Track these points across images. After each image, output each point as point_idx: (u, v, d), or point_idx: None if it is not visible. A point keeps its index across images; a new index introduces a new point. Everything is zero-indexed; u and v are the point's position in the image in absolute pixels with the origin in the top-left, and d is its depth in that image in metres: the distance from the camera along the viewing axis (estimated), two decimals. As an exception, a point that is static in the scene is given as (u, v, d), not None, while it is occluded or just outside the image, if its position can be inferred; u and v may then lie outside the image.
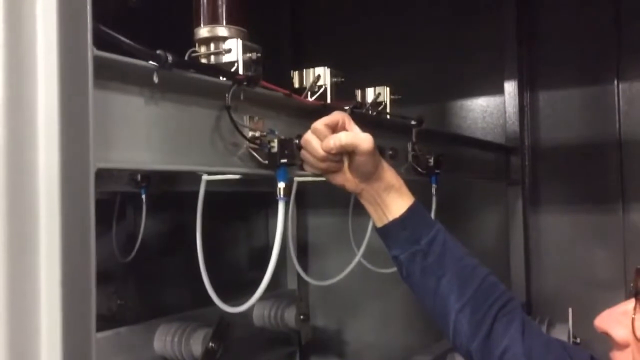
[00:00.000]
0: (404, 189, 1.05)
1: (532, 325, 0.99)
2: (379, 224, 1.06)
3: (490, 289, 0.99)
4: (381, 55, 2.39)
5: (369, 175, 1.03)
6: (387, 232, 1.05)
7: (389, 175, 1.05)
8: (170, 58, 0.79)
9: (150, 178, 1.91)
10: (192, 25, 1.10)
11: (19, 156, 0.57)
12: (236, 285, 1.83)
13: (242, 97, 0.99)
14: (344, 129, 1.01)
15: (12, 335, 0.57)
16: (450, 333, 1.00)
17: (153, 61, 0.79)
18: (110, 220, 2.23)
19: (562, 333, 1.80)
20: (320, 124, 1.00)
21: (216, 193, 1.42)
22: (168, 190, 2.08)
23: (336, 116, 1.02)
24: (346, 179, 1.05)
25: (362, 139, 1.00)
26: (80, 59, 0.62)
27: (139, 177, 1.86)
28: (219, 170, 1.00)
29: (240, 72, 1.02)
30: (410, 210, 1.03)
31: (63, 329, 0.58)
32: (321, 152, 1.00)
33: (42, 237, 0.58)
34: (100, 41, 0.68)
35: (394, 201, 1.04)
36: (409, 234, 1.02)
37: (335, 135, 1.00)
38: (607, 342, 0.80)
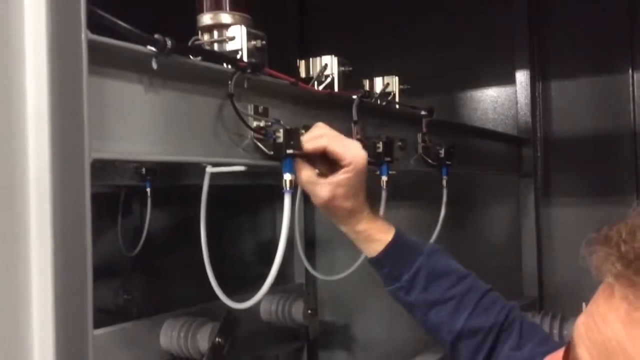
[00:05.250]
0: (377, 235, 1.01)
1: (533, 332, 0.96)
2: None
3: (487, 311, 0.96)
4: (389, 45, 2.35)
5: (333, 218, 1.02)
6: (370, 265, 1.04)
7: (360, 226, 1.01)
8: (169, 43, 0.75)
9: (156, 171, 1.88)
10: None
11: (7, 147, 0.54)
12: (244, 279, 1.81)
13: (246, 85, 0.96)
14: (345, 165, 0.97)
15: (2, 334, 0.54)
16: (451, 357, 0.98)
17: (151, 46, 0.75)
18: (116, 215, 2.21)
19: (575, 328, 1.76)
20: (314, 147, 0.97)
21: (223, 186, 1.39)
22: (174, 184, 2.05)
23: (345, 157, 0.96)
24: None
25: (315, 194, 0.97)
26: (73, 44, 0.59)
27: (143, 170, 1.84)
28: (223, 162, 0.97)
29: (245, 60, 0.99)
30: (386, 249, 1.00)
31: (56, 327, 0.55)
32: None
33: (33, 232, 0.55)
34: (96, 25, 0.65)
35: (365, 245, 1.02)
36: (388, 272, 1.00)
37: (300, 173, 0.97)
38: None
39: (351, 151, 0.97)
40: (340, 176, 0.96)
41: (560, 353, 0.69)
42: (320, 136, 0.97)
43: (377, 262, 1.01)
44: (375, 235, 1.01)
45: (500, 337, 0.94)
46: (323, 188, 0.96)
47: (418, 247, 1.02)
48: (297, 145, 0.96)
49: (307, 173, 0.97)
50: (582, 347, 0.62)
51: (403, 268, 0.99)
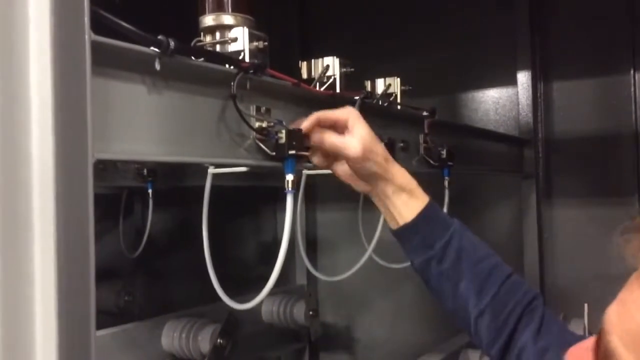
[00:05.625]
0: (417, 191, 1.00)
1: (552, 323, 0.95)
2: (392, 226, 1.02)
3: (511, 293, 0.95)
4: (391, 46, 2.34)
5: (373, 178, 0.99)
6: (399, 235, 1.01)
7: (399, 176, 1.00)
8: (172, 44, 0.75)
9: (157, 172, 1.88)
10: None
11: (11, 147, 0.55)
12: (245, 280, 1.80)
13: (248, 86, 0.96)
14: (346, 127, 0.98)
15: (5, 334, 0.54)
16: (472, 337, 0.97)
17: (154, 47, 0.75)
18: (117, 216, 2.21)
19: (577, 328, 1.76)
20: (310, 121, 0.98)
21: (224, 187, 1.39)
22: (176, 185, 2.05)
23: (340, 114, 0.98)
24: (353, 179, 1.02)
25: (348, 149, 0.96)
26: (76, 44, 0.59)
27: (145, 171, 1.84)
28: (225, 162, 0.97)
29: (247, 61, 0.99)
30: (422, 213, 0.98)
31: (59, 328, 0.55)
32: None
33: (36, 232, 0.55)
34: (99, 26, 0.65)
35: (405, 204, 0.99)
36: (422, 239, 0.98)
37: (322, 142, 0.98)
38: None
39: (341, 110, 0.99)
40: (352, 130, 0.97)
41: (587, 343, 0.68)
42: (308, 116, 0.99)
43: (412, 226, 0.98)
44: (416, 191, 1.00)
45: (522, 320, 0.93)
46: (351, 140, 0.96)
47: (447, 216, 1.02)
48: (300, 146, 0.96)
49: (328, 138, 0.97)
50: (613, 335, 0.61)
51: (437, 234, 0.97)
